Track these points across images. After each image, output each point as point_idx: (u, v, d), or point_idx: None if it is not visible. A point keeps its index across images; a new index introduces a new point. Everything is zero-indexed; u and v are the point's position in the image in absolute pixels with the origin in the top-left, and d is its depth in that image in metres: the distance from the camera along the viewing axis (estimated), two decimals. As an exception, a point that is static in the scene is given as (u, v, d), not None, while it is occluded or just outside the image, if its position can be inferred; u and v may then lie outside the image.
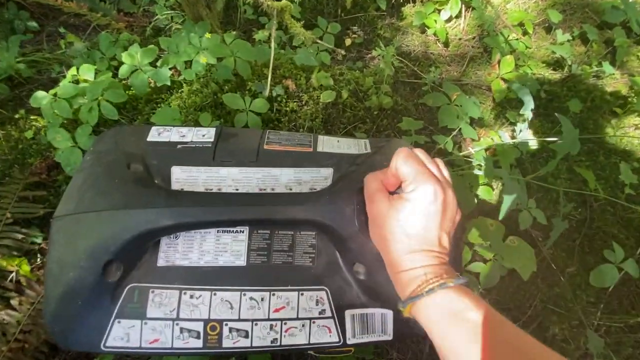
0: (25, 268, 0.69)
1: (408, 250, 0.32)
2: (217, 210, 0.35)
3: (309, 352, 0.65)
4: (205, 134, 0.45)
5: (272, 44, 0.69)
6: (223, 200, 0.37)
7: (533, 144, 0.76)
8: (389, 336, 0.39)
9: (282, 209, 0.36)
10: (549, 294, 0.73)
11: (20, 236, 0.74)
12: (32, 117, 0.95)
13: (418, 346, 0.72)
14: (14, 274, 0.69)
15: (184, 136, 0.45)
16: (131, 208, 0.34)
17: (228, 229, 0.40)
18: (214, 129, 0.46)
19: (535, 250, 0.70)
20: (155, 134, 0.44)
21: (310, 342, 0.38)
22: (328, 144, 0.47)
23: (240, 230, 0.40)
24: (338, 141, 0.48)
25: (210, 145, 0.44)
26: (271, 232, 0.40)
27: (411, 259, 0.32)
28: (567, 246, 0.78)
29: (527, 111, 0.62)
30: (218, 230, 0.40)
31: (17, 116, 0.95)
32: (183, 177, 0.41)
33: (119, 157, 0.40)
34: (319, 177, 0.43)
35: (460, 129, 0.73)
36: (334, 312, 0.39)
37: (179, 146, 0.43)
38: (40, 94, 0.85)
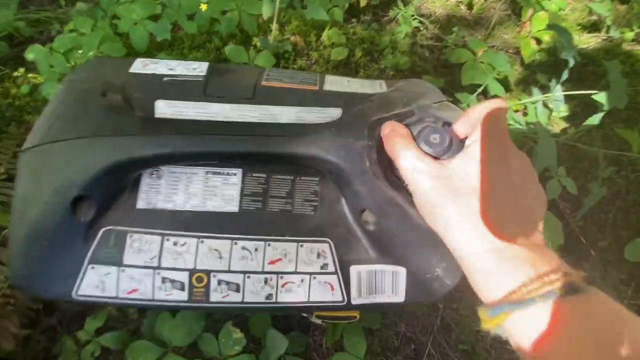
0: (18, 224, 0.66)
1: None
2: (205, 140, 0.30)
3: (311, 319, 0.61)
4: (196, 68, 0.40)
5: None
6: (212, 129, 0.31)
7: (565, 108, 0.68)
8: (400, 298, 0.34)
9: (281, 141, 0.31)
10: (576, 269, 0.67)
11: (13, 192, 0.71)
12: (30, 76, 0.92)
13: (428, 319, 0.67)
14: (6, 230, 0.66)
15: (172, 69, 0.39)
16: (102, 136, 0.29)
17: (218, 170, 0.35)
18: (207, 63, 0.41)
19: (562, 223, 0.64)
20: (140, 66, 0.39)
21: (310, 299, 0.33)
22: (337, 82, 0.41)
23: (233, 173, 0.35)
24: (348, 81, 0.42)
25: (201, 79, 0.38)
26: (267, 176, 0.35)
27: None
28: (598, 219, 0.71)
29: (569, 55, 0.54)
30: (207, 172, 0.35)
31: (15, 74, 0.92)
32: (168, 112, 0.36)
33: (94, 86, 0.34)
34: (325, 117, 0.37)
35: (486, 87, 0.65)
36: (338, 267, 0.34)
37: (165, 79, 0.38)
38: (36, 46, 0.82)
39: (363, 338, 0.57)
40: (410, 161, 0.27)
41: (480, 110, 0.26)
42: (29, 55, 0.81)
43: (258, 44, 0.81)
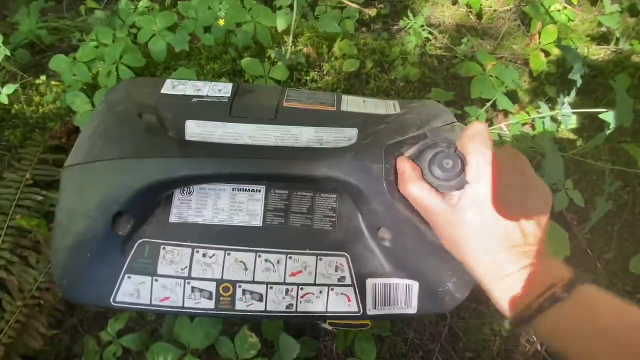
0: (44, 229, 0.69)
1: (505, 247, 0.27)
2: (234, 163, 0.33)
3: (323, 325, 0.63)
4: (222, 89, 0.42)
5: (295, 4, 0.64)
6: (240, 152, 0.34)
7: (574, 120, 0.69)
8: (413, 310, 0.36)
9: (303, 164, 0.33)
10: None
11: (39, 198, 0.74)
12: (53, 84, 0.95)
13: (437, 328, 0.69)
14: (33, 234, 0.69)
15: (199, 90, 0.42)
16: (142, 157, 0.32)
17: (244, 187, 0.37)
18: (231, 84, 0.43)
19: (569, 235, 0.65)
20: (170, 87, 0.42)
21: (328, 310, 0.36)
22: (353, 103, 0.43)
23: (257, 190, 0.38)
24: (364, 101, 0.44)
25: (226, 101, 0.41)
26: (289, 193, 0.38)
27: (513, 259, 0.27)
28: (605, 232, 0.72)
29: (577, 75, 0.56)
30: (234, 189, 0.37)
31: (38, 82, 0.96)
32: (198, 132, 0.38)
33: (131, 108, 0.37)
34: (343, 138, 0.40)
35: (495, 100, 0.67)
36: (355, 280, 0.36)
37: (194, 100, 0.40)
38: (60, 57, 0.85)
39: (373, 345, 0.59)
40: (424, 202, 0.30)
41: (466, 139, 0.29)
42: (53, 65, 0.84)
43: (272, 55, 0.84)
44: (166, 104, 0.39)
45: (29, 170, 0.78)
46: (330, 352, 0.67)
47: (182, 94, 0.41)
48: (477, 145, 0.28)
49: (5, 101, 0.85)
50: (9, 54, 0.95)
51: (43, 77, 0.96)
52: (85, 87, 0.84)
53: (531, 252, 0.27)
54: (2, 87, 0.85)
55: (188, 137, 0.38)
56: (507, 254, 0.27)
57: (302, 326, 0.68)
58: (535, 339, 0.67)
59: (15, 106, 0.89)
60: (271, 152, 0.35)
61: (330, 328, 0.66)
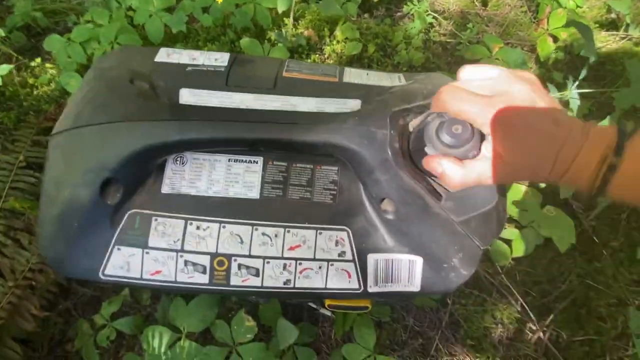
0: (36, 210, 0.68)
1: None
2: (230, 127, 0.31)
3: (321, 310, 0.62)
4: (218, 58, 0.41)
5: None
6: (237, 116, 0.32)
7: (582, 104, 0.67)
8: (415, 287, 0.35)
9: (303, 128, 0.31)
10: (587, 269, 0.67)
11: (33, 180, 0.72)
12: (47, 65, 0.93)
13: (437, 314, 0.67)
14: (25, 216, 0.68)
15: (194, 59, 0.40)
16: (132, 120, 0.30)
17: (240, 158, 0.35)
18: (228, 54, 0.41)
19: (575, 223, 0.64)
20: (164, 55, 0.40)
21: (327, 286, 0.34)
22: (356, 75, 0.41)
23: (254, 161, 0.36)
24: (367, 74, 0.42)
25: (223, 70, 0.39)
26: (288, 165, 0.36)
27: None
28: (611, 219, 0.70)
29: (590, 53, 0.54)
30: (229, 159, 0.35)
31: (33, 64, 0.94)
32: (192, 100, 0.37)
33: (122, 73, 0.35)
34: (345, 109, 0.38)
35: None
36: (355, 255, 0.34)
37: (188, 68, 0.39)
38: (54, 37, 0.83)
39: (372, 330, 0.58)
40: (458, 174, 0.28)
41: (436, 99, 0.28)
42: (47, 45, 0.82)
43: (273, 37, 0.82)
44: (159, 72, 0.38)
45: (22, 152, 0.76)
46: (329, 338, 0.66)
47: (177, 62, 0.39)
48: (443, 96, 0.27)
49: (-1, 82, 0.82)
50: (3, 35, 0.93)
51: (38, 60, 0.94)
52: (79, 69, 0.82)
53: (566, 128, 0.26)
54: (-4, 68, 0.83)
55: (182, 104, 0.36)
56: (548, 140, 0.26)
57: (300, 311, 0.66)
58: (537, 326, 0.66)
59: (10, 88, 0.87)
60: (269, 116, 0.33)
61: (329, 313, 0.65)
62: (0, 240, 0.63)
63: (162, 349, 0.54)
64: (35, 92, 0.88)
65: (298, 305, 0.65)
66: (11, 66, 0.86)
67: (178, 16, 0.81)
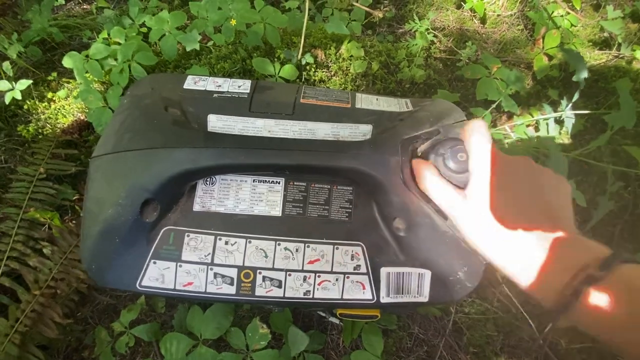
0: (57, 221, 0.71)
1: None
2: (259, 154, 0.34)
3: (330, 318, 0.65)
4: (241, 85, 0.44)
5: (307, 4, 0.66)
6: (265, 143, 0.35)
7: (577, 121, 0.71)
8: (424, 298, 0.38)
9: (323, 155, 0.35)
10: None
11: (52, 191, 0.76)
12: (63, 80, 0.97)
13: (441, 323, 0.70)
14: (46, 226, 0.71)
15: (219, 86, 0.44)
16: (171, 147, 0.34)
17: (264, 178, 0.39)
18: (250, 81, 0.45)
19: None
20: (191, 82, 0.43)
21: (343, 297, 0.37)
22: (367, 101, 0.45)
23: (277, 181, 0.39)
24: (377, 99, 0.46)
25: (246, 97, 0.43)
26: (307, 185, 0.39)
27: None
28: (605, 231, 0.74)
29: (580, 76, 0.58)
30: (254, 180, 0.39)
31: (49, 78, 0.97)
32: (219, 125, 0.40)
33: (156, 101, 0.39)
34: (357, 133, 0.41)
35: (499, 102, 0.69)
36: (369, 268, 0.37)
37: (215, 95, 0.42)
38: (73, 54, 0.86)
39: (380, 337, 0.61)
40: (441, 196, 0.32)
41: (466, 134, 0.31)
42: (67, 62, 0.85)
43: (282, 55, 0.86)
44: (189, 98, 0.41)
45: (41, 164, 0.79)
46: (337, 346, 0.68)
47: (203, 89, 0.43)
48: (476, 138, 0.30)
49: (19, 96, 0.86)
50: (22, 50, 0.96)
51: (54, 74, 0.97)
52: (95, 84, 0.86)
53: (552, 237, 0.25)
54: (15, 82, 0.87)
55: (209, 130, 0.40)
56: (527, 239, 0.25)
57: (310, 319, 0.69)
58: (537, 334, 0.69)
59: (28, 102, 0.91)
60: (294, 144, 0.36)
61: (337, 321, 0.68)
62: (21, 250, 0.66)
63: (180, 355, 0.56)
64: (52, 106, 0.91)
65: (308, 314, 0.68)
66: (30, 81, 0.89)
67: (191, 35, 0.85)
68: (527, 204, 0.28)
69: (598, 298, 0.22)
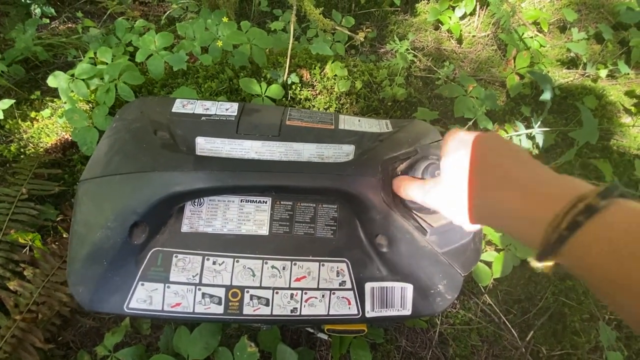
0: (39, 242, 0.69)
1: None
2: (246, 175, 0.36)
3: (319, 334, 0.65)
4: (228, 108, 0.46)
5: (292, 26, 0.69)
6: (252, 166, 0.37)
7: (548, 136, 0.76)
8: (407, 311, 0.39)
9: (309, 176, 0.37)
10: (560, 287, 0.73)
11: (34, 212, 0.74)
12: (47, 99, 0.96)
13: (427, 335, 0.71)
14: (27, 247, 0.69)
15: (207, 109, 0.45)
16: (160, 170, 0.35)
17: (251, 198, 0.40)
18: (237, 104, 0.47)
19: (547, 244, 0.70)
20: (180, 106, 0.45)
21: (330, 313, 0.38)
22: (349, 122, 0.47)
23: (264, 201, 0.40)
24: (359, 120, 0.48)
25: (233, 119, 0.44)
26: (293, 204, 0.41)
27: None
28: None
29: (547, 96, 0.62)
30: (242, 200, 0.40)
31: (32, 97, 0.97)
32: (207, 147, 0.41)
33: (145, 125, 0.40)
34: (341, 153, 0.43)
35: (475, 120, 0.73)
36: (354, 284, 0.39)
37: (203, 118, 0.44)
38: (58, 73, 0.86)
39: (368, 352, 0.61)
40: (415, 190, 0.34)
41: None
42: (52, 82, 0.85)
43: (268, 75, 0.88)
44: (177, 122, 0.42)
45: (23, 185, 0.78)
46: (326, 361, 0.68)
47: (192, 112, 0.44)
48: (446, 138, 0.31)
49: (1, 116, 0.85)
50: (4, 69, 0.96)
51: (37, 93, 0.97)
52: (80, 103, 0.86)
53: (532, 182, 0.23)
54: (-2, 102, 0.86)
55: (198, 152, 0.41)
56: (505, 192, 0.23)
57: (298, 336, 0.69)
58: (519, 343, 0.71)
59: (9, 121, 0.90)
60: (279, 165, 0.38)
61: (326, 337, 0.68)
62: (1, 274, 0.65)
63: (167, 378, 0.55)
64: (35, 125, 0.90)
65: (296, 330, 0.68)
66: (12, 100, 0.88)
67: (179, 55, 0.87)
68: (497, 168, 0.26)
69: (598, 231, 0.19)
